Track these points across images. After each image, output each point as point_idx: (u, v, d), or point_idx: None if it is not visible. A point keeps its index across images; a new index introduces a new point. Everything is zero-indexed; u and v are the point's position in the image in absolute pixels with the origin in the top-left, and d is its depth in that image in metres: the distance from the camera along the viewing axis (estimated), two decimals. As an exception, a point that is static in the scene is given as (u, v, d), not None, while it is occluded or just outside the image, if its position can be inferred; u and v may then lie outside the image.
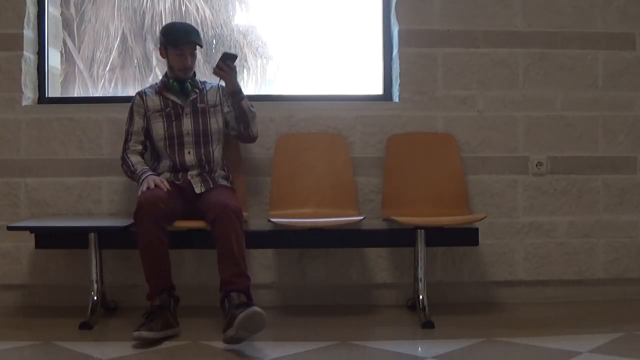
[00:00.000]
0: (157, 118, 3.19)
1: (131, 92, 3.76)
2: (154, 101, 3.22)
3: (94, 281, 3.13)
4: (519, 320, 3.20)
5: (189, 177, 3.15)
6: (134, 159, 3.18)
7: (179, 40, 3.13)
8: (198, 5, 3.82)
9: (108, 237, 3.19)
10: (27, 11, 3.47)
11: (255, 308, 2.67)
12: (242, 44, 3.85)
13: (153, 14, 3.82)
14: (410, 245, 3.22)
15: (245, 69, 3.84)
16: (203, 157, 3.18)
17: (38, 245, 3.25)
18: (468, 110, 3.54)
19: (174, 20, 3.77)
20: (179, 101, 3.21)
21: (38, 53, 3.60)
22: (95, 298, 3.11)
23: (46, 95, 3.62)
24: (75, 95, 3.80)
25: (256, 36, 3.86)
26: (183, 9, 3.82)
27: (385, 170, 3.46)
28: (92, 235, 3.12)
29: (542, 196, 3.54)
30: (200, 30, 3.76)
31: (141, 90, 3.28)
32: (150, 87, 3.30)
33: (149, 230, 2.86)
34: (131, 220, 3.15)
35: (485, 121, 3.54)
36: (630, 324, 3.05)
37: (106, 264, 3.34)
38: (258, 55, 3.86)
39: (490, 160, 3.54)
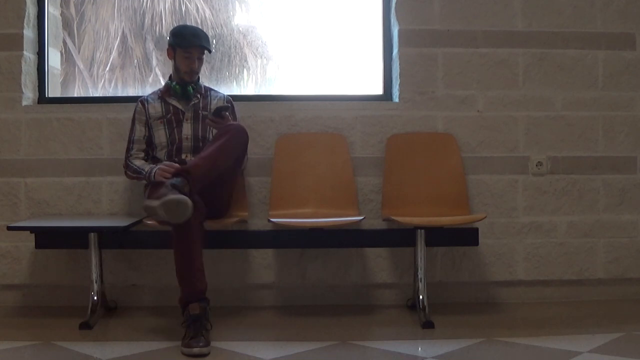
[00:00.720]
0: (159, 125, 3.21)
1: (131, 92, 3.78)
2: (156, 108, 3.24)
3: (94, 281, 3.13)
4: (518, 320, 3.20)
5: None
6: (139, 162, 3.20)
7: (188, 42, 3.15)
8: (198, 5, 3.81)
9: (108, 237, 3.19)
10: (27, 11, 3.47)
11: (184, 198, 2.62)
12: (242, 43, 3.85)
13: (153, 14, 3.82)
14: (410, 245, 3.22)
15: (245, 69, 3.84)
16: None
17: (38, 245, 3.25)
18: (468, 110, 3.54)
19: (173, 20, 3.78)
20: (179, 106, 3.23)
21: (38, 53, 3.60)
22: (95, 298, 3.11)
23: (46, 95, 3.62)
24: (75, 95, 3.79)
25: (256, 36, 3.86)
26: (183, 8, 3.82)
27: (385, 170, 3.46)
28: (92, 235, 3.12)
29: (542, 196, 3.54)
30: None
31: (143, 98, 3.30)
32: (153, 93, 3.32)
33: (195, 229, 2.77)
34: (132, 220, 3.16)
35: (485, 121, 3.54)
36: (630, 324, 3.05)
37: (106, 264, 3.34)
38: (258, 55, 3.86)
39: (490, 160, 3.54)
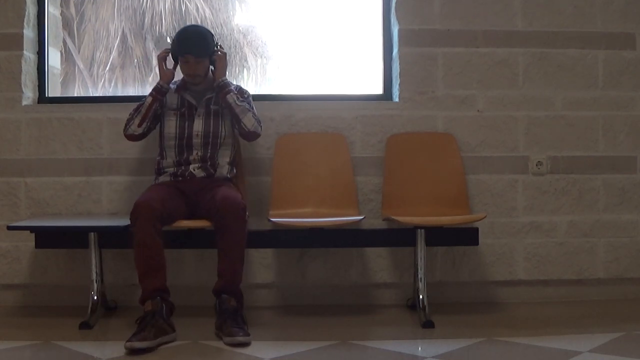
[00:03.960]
0: (171, 117, 3.19)
1: (131, 91, 3.78)
2: (172, 98, 3.22)
3: (94, 281, 3.13)
4: (519, 320, 3.20)
5: (190, 169, 3.15)
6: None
7: (179, 49, 3.13)
8: (198, 4, 3.81)
9: (108, 237, 3.18)
10: (27, 11, 3.47)
11: (239, 339, 2.74)
12: (242, 43, 3.85)
13: (153, 13, 3.82)
14: (411, 245, 3.22)
15: (245, 69, 3.84)
16: (208, 159, 3.18)
17: (38, 245, 3.25)
18: (468, 109, 3.54)
19: (173, 20, 3.78)
20: (194, 102, 3.21)
21: (38, 53, 3.60)
22: (95, 298, 3.11)
23: (46, 95, 3.62)
24: (75, 95, 3.80)
25: (256, 36, 3.86)
26: (183, 8, 3.82)
27: (385, 170, 3.46)
28: (92, 235, 3.12)
29: (542, 196, 3.54)
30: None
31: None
32: (174, 82, 3.26)
33: (143, 230, 2.83)
34: (131, 220, 3.17)
35: (485, 121, 3.54)
36: (630, 323, 3.05)
37: (106, 263, 3.34)
38: (258, 55, 3.86)
39: (490, 159, 3.54)
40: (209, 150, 3.18)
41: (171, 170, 3.17)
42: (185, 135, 3.17)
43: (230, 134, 3.24)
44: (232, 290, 2.93)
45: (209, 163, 3.18)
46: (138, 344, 2.63)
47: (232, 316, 2.85)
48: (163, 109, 3.21)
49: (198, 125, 3.18)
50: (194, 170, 3.15)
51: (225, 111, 3.21)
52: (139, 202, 2.90)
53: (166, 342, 2.75)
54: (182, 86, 3.23)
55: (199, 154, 3.17)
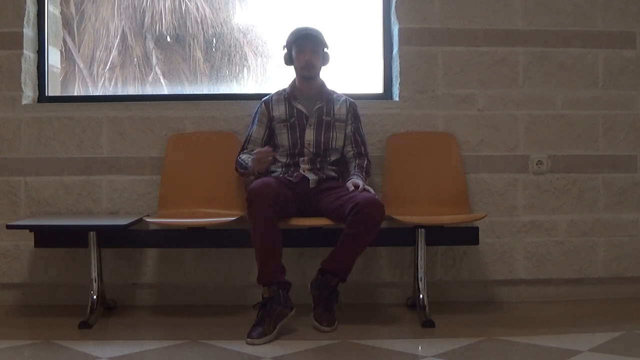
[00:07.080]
0: (282, 128, 3.21)
1: (131, 90, 3.78)
2: (280, 110, 3.24)
3: (94, 280, 3.13)
4: (519, 319, 3.19)
5: (302, 172, 3.17)
6: (245, 156, 3.21)
7: (298, 34, 3.16)
8: (198, 3, 3.81)
9: (107, 236, 3.18)
10: (27, 10, 3.47)
11: (324, 328, 2.95)
12: (242, 42, 3.85)
13: (153, 12, 3.82)
14: (411, 244, 3.22)
15: (245, 68, 3.84)
16: (318, 164, 3.21)
17: (37, 243, 3.24)
18: (468, 108, 3.54)
19: (173, 19, 3.78)
20: (304, 110, 3.22)
21: (38, 52, 3.59)
22: (94, 297, 3.11)
23: (46, 94, 3.62)
24: (75, 94, 3.79)
25: (256, 35, 3.86)
26: (183, 7, 3.81)
27: (385, 169, 3.46)
28: (91, 234, 3.12)
29: (542, 195, 3.54)
30: (200, 29, 3.77)
31: (267, 98, 3.29)
32: (277, 93, 3.30)
33: (260, 212, 2.85)
34: (131, 219, 3.16)
35: (486, 120, 3.54)
36: (630, 322, 3.05)
37: (106, 262, 3.34)
38: (258, 54, 3.86)
39: (491, 159, 3.53)
40: (319, 158, 3.21)
41: (279, 171, 3.20)
42: (298, 144, 3.19)
43: (341, 147, 3.28)
44: (342, 274, 3.00)
45: (317, 167, 3.20)
46: (258, 341, 2.75)
47: (327, 299, 3.00)
48: (272, 121, 3.23)
49: (310, 135, 3.20)
50: (304, 172, 3.17)
51: (337, 123, 3.26)
52: (254, 186, 2.91)
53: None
54: (292, 95, 3.25)
55: (307, 160, 3.19)
